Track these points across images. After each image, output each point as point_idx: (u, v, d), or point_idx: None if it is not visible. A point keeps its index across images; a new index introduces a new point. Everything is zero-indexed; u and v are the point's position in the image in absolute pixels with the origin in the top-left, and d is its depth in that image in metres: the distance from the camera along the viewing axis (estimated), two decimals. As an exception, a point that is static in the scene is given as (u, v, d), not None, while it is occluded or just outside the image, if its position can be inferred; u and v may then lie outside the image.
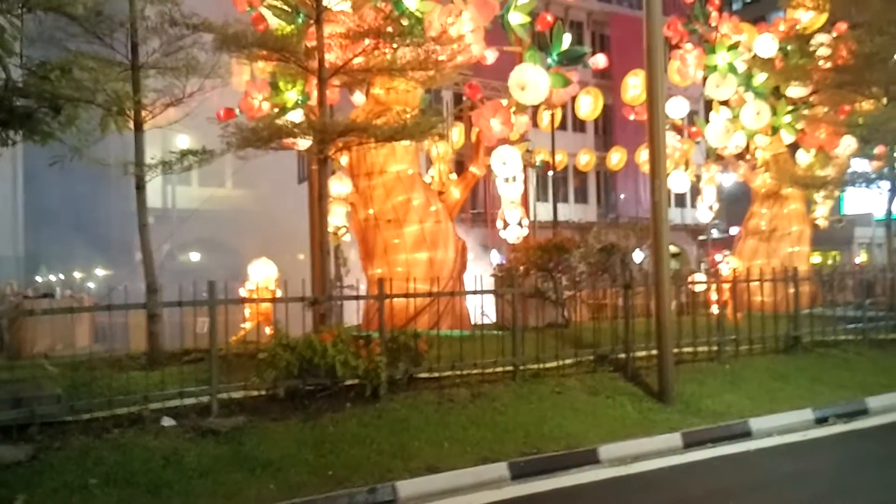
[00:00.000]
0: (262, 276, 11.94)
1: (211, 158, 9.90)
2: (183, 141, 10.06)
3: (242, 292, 11.31)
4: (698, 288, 13.11)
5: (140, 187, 9.77)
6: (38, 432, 6.65)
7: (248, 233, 24.69)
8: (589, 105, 18.46)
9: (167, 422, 7.12)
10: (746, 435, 8.14)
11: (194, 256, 30.10)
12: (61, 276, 31.35)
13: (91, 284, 29.59)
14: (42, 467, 6.16)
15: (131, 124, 9.78)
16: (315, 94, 10.59)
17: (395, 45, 9.97)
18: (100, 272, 31.45)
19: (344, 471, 6.54)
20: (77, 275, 31.90)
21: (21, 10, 8.38)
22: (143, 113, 9.74)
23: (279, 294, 11.18)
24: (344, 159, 12.89)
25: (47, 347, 10.64)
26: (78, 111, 8.39)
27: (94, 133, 9.35)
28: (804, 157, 18.68)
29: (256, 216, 26.66)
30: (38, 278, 30.29)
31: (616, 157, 23.74)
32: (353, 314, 13.29)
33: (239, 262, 15.89)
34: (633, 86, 18.52)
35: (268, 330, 10.63)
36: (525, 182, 17.19)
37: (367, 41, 9.84)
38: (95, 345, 9.93)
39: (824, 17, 17.42)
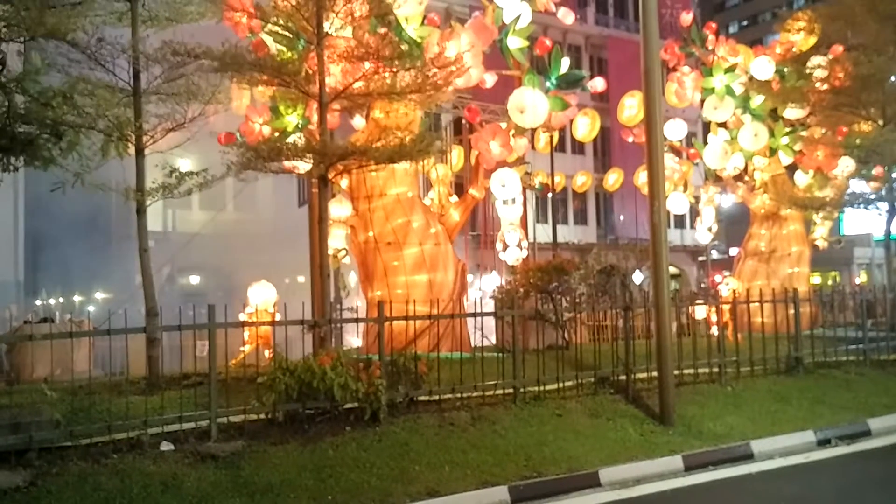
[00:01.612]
0: (261, 298, 11.95)
1: (211, 183, 9.95)
2: (184, 165, 10.09)
3: (242, 316, 11.31)
4: (699, 310, 13.10)
5: (141, 212, 9.80)
6: (37, 458, 6.62)
7: (248, 256, 24.71)
8: (586, 127, 18.57)
9: (166, 447, 7.09)
10: (748, 457, 8.10)
11: (194, 280, 30.12)
12: (61, 301, 31.32)
13: (91, 308, 29.55)
14: (40, 493, 6.12)
15: (132, 149, 9.83)
16: (315, 118, 10.67)
17: (394, 70, 10.06)
18: (100, 296, 31.43)
19: (344, 495, 6.50)
20: (77, 299, 31.88)
21: (25, 38, 8.47)
22: (145, 138, 9.80)
23: (279, 317, 11.18)
24: (344, 182, 12.94)
25: (46, 372, 10.61)
26: (79, 137, 8.43)
27: (95, 158, 9.39)
28: (802, 179, 18.76)
29: (257, 239, 26.70)
30: (38, 302, 30.26)
31: (613, 178, 23.83)
32: (353, 337, 13.28)
33: (239, 286, 15.88)
34: (630, 106, 18.67)
35: (267, 353, 10.62)
36: (524, 204, 17.25)
37: (367, 65, 9.93)
38: (95, 369, 9.90)
39: (813, 39, 17.61)
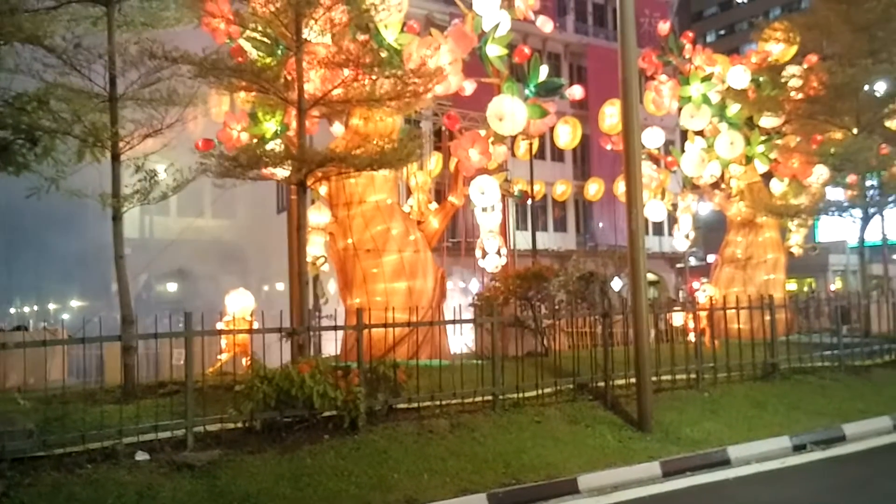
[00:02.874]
0: (239, 306, 11.87)
1: (183, 185, 9.87)
2: (161, 171, 10.00)
3: (220, 325, 11.22)
4: (676, 316, 13.19)
5: (116, 219, 9.70)
6: (10, 468, 6.52)
7: (226, 263, 24.54)
8: (568, 135, 18.69)
9: (141, 456, 7.01)
10: (725, 463, 8.16)
11: (171, 287, 29.85)
12: (35, 308, 30.93)
13: (66, 316, 29.19)
14: (12, 504, 6.03)
15: (108, 155, 9.73)
16: (294, 124, 10.64)
17: (373, 77, 10.06)
18: (75, 304, 31.07)
19: (322, 504, 6.46)
20: (52, 306, 31.49)
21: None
22: (121, 144, 9.70)
23: (256, 325, 11.10)
24: (323, 189, 12.90)
25: (20, 381, 10.45)
26: (54, 142, 8.34)
27: (70, 164, 9.28)
28: (778, 186, 18.96)
29: (235, 246, 26.54)
30: (12, 310, 29.85)
31: (594, 188, 23.97)
32: (331, 344, 13.20)
33: (217, 293, 15.76)
34: (610, 115, 18.81)
35: (245, 361, 10.54)
36: (504, 211, 17.30)
37: (346, 72, 9.92)
38: (69, 378, 9.78)
39: (794, 49, 17.85)
